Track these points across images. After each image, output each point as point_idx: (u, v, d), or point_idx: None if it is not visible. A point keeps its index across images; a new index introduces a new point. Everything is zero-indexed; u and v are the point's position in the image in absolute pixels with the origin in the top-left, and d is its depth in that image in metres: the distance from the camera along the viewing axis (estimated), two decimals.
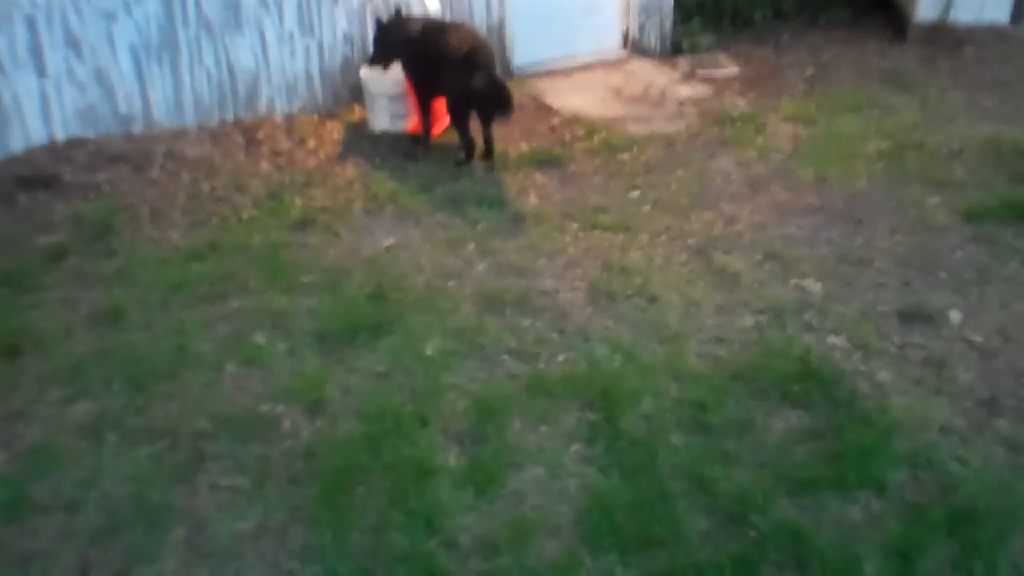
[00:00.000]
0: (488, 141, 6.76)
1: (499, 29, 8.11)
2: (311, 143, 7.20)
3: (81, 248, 5.71)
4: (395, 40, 6.89)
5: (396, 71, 7.11)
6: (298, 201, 6.23)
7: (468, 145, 6.69)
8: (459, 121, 6.64)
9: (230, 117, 7.42)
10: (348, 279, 5.26)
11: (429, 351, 4.50)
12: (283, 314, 4.88)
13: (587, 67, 8.52)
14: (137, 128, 7.12)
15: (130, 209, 6.21)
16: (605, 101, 7.84)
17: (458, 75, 6.32)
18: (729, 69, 8.58)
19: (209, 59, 7.19)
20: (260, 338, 4.67)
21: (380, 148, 7.13)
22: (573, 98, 7.80)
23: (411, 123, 7.41)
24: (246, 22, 7.21)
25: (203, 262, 5.50)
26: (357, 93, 7.68)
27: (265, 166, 6.83)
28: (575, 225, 5.92)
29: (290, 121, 7.50)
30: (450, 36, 6.52)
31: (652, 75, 8.35)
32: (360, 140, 7.28)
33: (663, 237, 5.75)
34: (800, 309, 4.94)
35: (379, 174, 6.63)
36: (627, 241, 5.70)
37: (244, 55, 7.29)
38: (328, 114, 7.68)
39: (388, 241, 5.75)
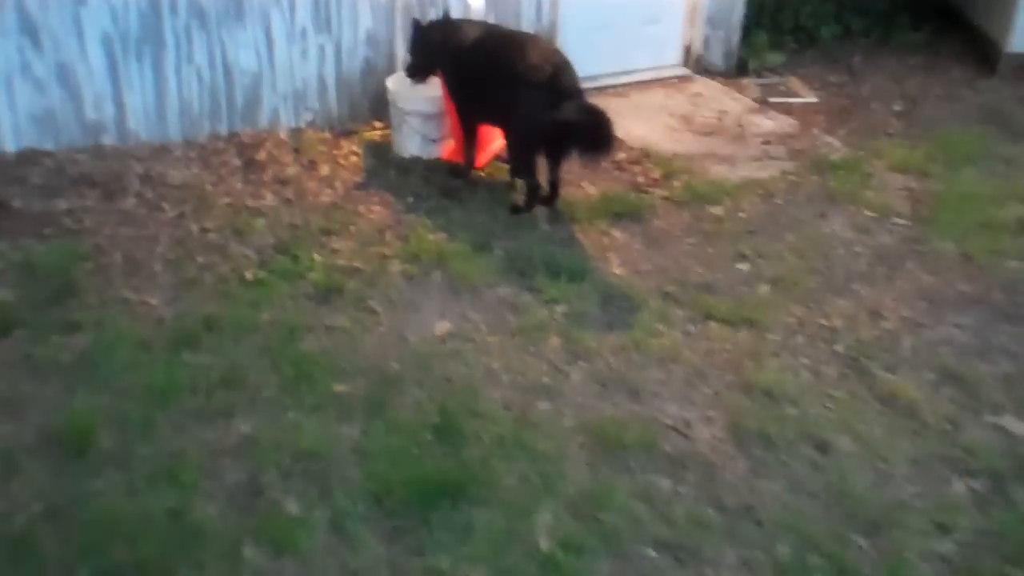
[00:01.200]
0: (555, 185, 5.22)
1: (548, 38, 6.53)
2: (324, 168, 5.60)
3: (32, 316, 4.09)
4: (440, 49, 5.32)
5: (433, 85, 5.52)
6: (317, 257, 4.64)
7: (533, 190, 5.14)
8: (526, 160, 5.09)
9: (224, 130, 5.78)
10: (399, 391, 3.72)
11: (543, 541, 2.99)
12: (316, 455, 3.34)
13: (644, 85, 7.00)
14: (108, 140, 5.47)
15: (98, 254, 4.60)
16: (675, 132, 6.32)
17: (536, 103, 4.76)
18: (806, 98, 7.10)
19: (201, 57, 5.54)
20: (290, 503, 3.12)
21: (411, 180, 5.55)
22: (636, 125, 6.27)
23: (447, 149, 5.83)
24: (249, 13, 5.58)
25: (196, 351, 3.92)
26: (380, 106, 6.08)
27: (269, 199, 5.22)
28: (681, 312, 4.43)
29: (297, 138, 5.88)
30: (524, 50, 4.94)
31: (721, 100, 6.84)
32: (384, 167, 5.69)
33: (799, 337, 4.28)
34: (1021, 469, 3.50)
35: (416, 219, 5.07)
36: (755, 342, 4.22)
37: (245, 54, 5.65)
38: (343, 130, 6.07)
39: (442, 326, 4.22)
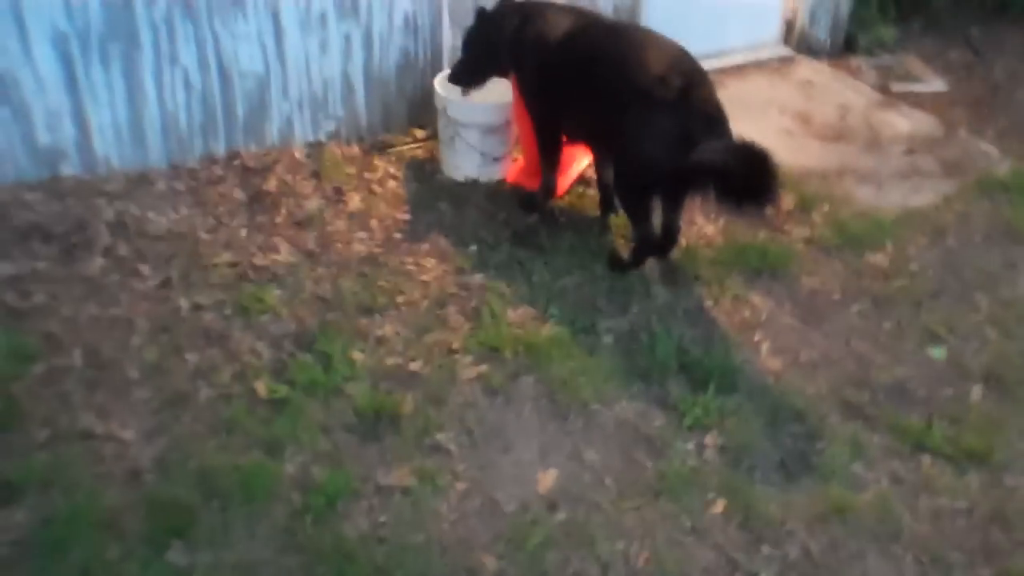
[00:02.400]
0: (673, 230, 3.78)
1: (631, 12, 4.99)
2: (355, 200, 4.11)
3: None
4: (514, 44, 3.79)
5: (496, 89, 4.02)
6: (356, 354, 3.19)
7: (645, 241, 3.68)
8: (641, 203, 3.63)
9: (221, 150, 4.27)
10: None
11: None
12: None
13: (740, 71, 5.47)
14: (68, 171, 3.99)
15: (51, 351, 3.19)
16: (793, 135, 4.82)
17: (662, 132, 3.33)
18: (932, 84, 5.57)
19: (188, 56, 4.01)
20: None
21: (469, 215, 4.09)
22: (743, 127, 4.68)
23: (512, 170, 4.34)
24: None
25: (188, 542, 2.49)
26: (422, 111, 4.59)
27: (284, 253, 3.75)
28: (877, 439, 3.08)
29: (317, 156, 4.38)
30: (641, 51, 3.47)
31: (837, 90, 5.33)
32: (433, 196, 4.21)
33: None
34: None
35: (485, 282, 3.65)
36: (997, 495, 2.82)
37: (246, 50, 4.13)
38: (376, 144, 4.56)
39: (547, 477, 2.83)
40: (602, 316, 3.48)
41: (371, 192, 4.21)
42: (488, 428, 2.97)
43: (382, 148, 4.53)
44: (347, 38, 4.31)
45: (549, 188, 4.10)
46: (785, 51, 5.70)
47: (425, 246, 3.86)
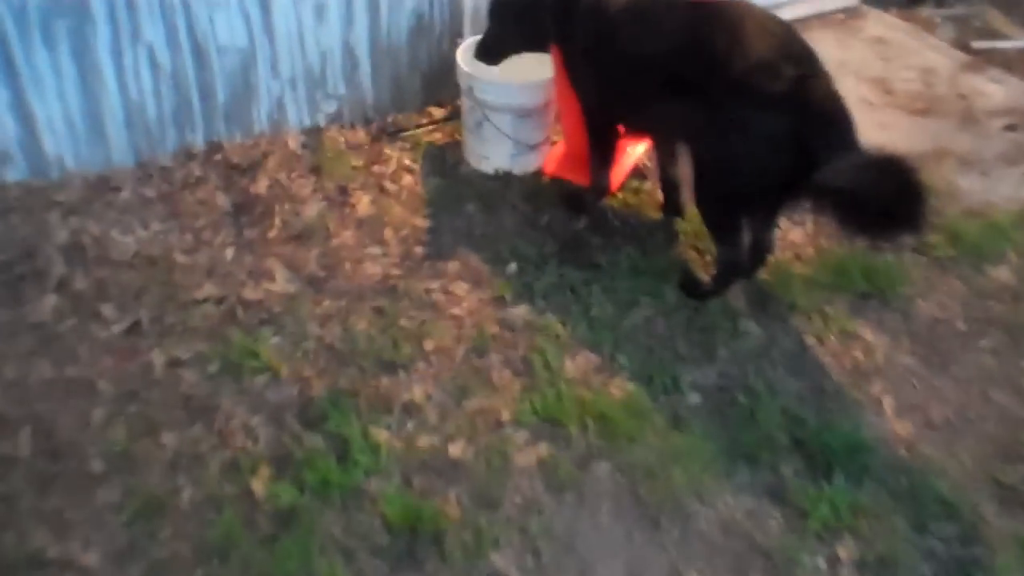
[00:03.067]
0: (765, 247, 3.03)
1: None
2: (363, 203, 3.35)
3: None
4: (559, 12, 3.00)
5: (531, 65, 3.23)
6: (380, 434, 2.46)
7: (733, 263, 2.95)
8: (731, 221, 2.87)
9: (199, 142, 3.48)
10: None
11: None
12: None
13: (800, 24, 4.58)
14: (13, 176, 3.20)
15: None
16: (875, 108, 4.05)
17: (769, 136, 2.55)
18: (1019, 39, 4.76)
19: (154, 31, 3.19)
20: None
21: (504, 220, 3.35)
22: None
23: (552, 160, 3.56)
24: None
25: None
26: (438, 86, 3.82)
27: (280, 280, 3.00)
28: None
29: (316, 145, 3.59)
30: (735, 28, 2.64)
31: (915, 49, 4.53)
32: (458, 195, 3.44)
33: None
34: None
35: (533, 318, 2.92)
36: None
37: (225, 20, 3.30)
38: (385, 128, 3.74)
39: None
40: (683, 365, 2.74)
41: (383, 191, 3.42)
42: (557, 541, 2.25)
43: (393, 133, 3.72)
44: (348, 1, 3.46)
45: (601, 186, 3.32)
46: (850, 1, 4.85)
47: (454, 265, 3.10)
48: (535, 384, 2.64)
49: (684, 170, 3.09)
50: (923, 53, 4.50)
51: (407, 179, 3.50)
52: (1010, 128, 3.95)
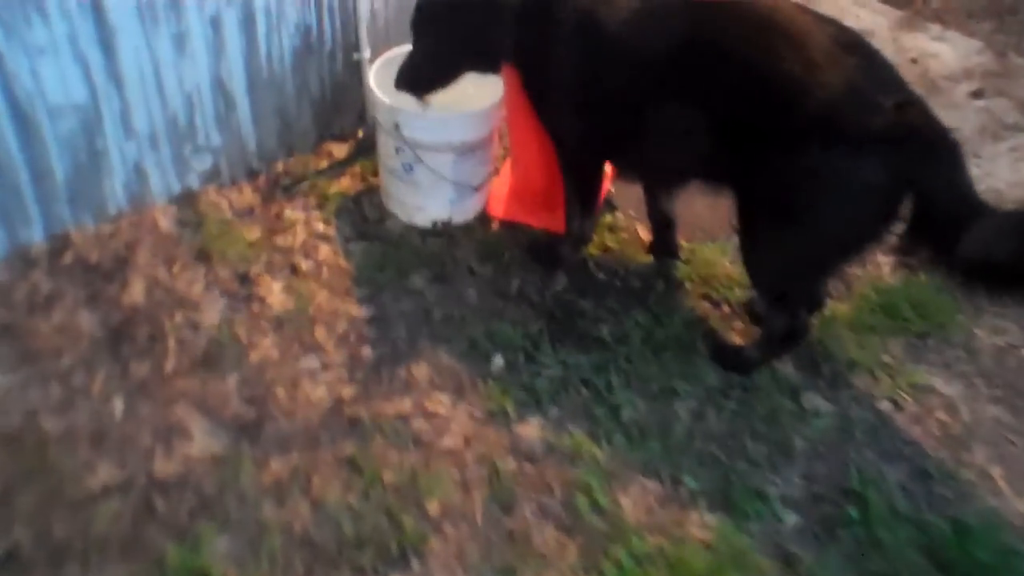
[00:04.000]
0: (820, 301, 2.42)
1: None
2: (274, 292, 2.58)
3: None
4: (522, 26, 2.26)
5: (471, 88, 2.53)
6: None
7: (789, 333, 2.33)
8: (802, 288, 2.27)
9: (38, 238, 2.53)
10: None
11: None
12: None
13: None
14: None
15: None
16: None
17: (872, 191, 1.91)
18: None
19: None
20: None
21: (462, 290, 2.63)
22: None
23: (497, 196, 2.84)
24: None
25: None
26: (333, 115, 3.03)
27: (200, 440, 2.20)
28: None
29: (193, 218, 2.77)
30: (803, 49, 1.96)
31: (842, 4, 4.05)
32: (396, 262, 2.71)
33: None
34: None
35: (546, 433, 2.26)
36: None
37: (54, 71, 2.35)
38: (276, 180, 2.92)
39: None
40: (762, 473, 2.16)
41: (297, 272, 2.62)
42: None
43: (289, 186, 2.89)
44: (215, 23, 2.58)
45: (583, 236, 2.65)
46: None
47: (421, 369, 2.37)
48: (593, 541, 1.98)
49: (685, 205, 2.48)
50: (854, 10, 4.02)
51: (324, 250, 2.70)
52: (976, 95, 3.54)
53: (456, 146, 2.64)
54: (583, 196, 2.52)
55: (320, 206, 2.83)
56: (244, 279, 2.58)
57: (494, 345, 2.44)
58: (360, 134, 3.07)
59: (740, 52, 2.00)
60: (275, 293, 2.56)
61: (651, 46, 2.11)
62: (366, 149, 3.01)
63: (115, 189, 2.63)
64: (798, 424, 2.29)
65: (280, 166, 2.96)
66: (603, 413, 2.28)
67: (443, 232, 2.78)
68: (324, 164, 2.98)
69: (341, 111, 3.02)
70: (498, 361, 2.40)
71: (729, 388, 2.36)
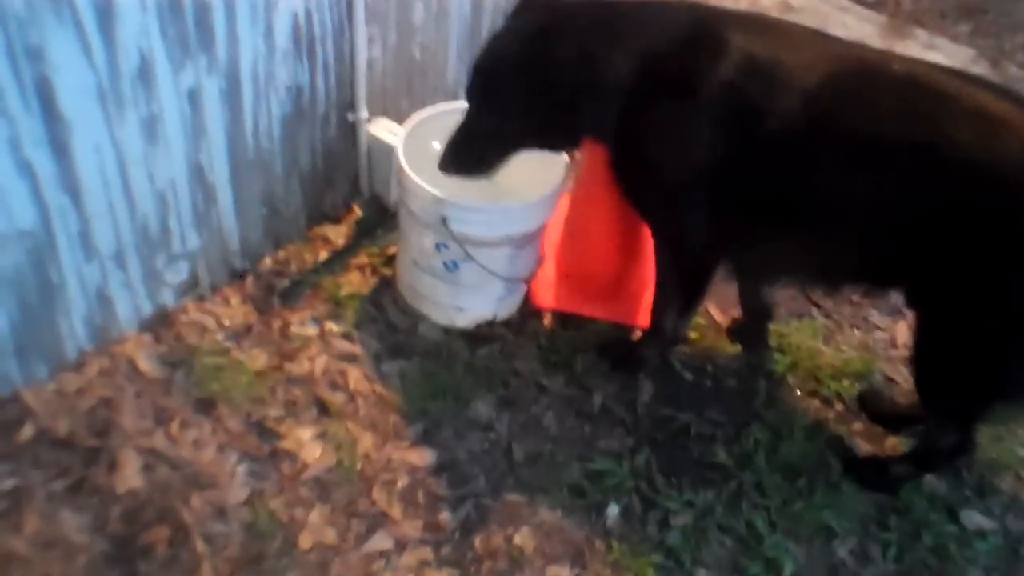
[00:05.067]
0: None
1: None
2: (305, 444, 2.01)
3: None
4: (646, 103, 1.76)
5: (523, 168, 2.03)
6: None
7: (955, 450, 1.97)
8: (989, 407, 1.86)
9: None
10: None
11: None
12: None
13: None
14: None
15: None
16: None
17: None
18: None
19: None
20: None
21: (538, 414, 2.10)
22: None
23: (545, 288, 2.33)
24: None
25: None
26: (323, 189, 2.42)
27: None
28: None
29: (177, 349, 2.08)
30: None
31: (824, 12, 3.77)
32: (448, 385, 2.15)
33: None
34: None
35: None
36: None
37: None
38: (273, 286, 2.28)
39: None
40: None
41: (327, 410, 2.05)
42: None
43: (288, 291, 2.27)
44: (194, 98, 1.93)
45: (676, 335, 2.19)
46: None
47: (523, 536, 1.88)
48: None
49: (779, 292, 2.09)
50: (838, 17, 3.70)
51: (353, 375, 2.13)
52: None
53: (516, 238, 2.12)
54: (689, 295, 2.05)
55: (333, 314, 2.24)
56: (263, 430, 1.98)
57: (600, 489, 1.97)
58: (357, 211, 2.47)
59: (954, 140, 1.58)
60: (307, 445, 1.98)
61: (834, 124, 1.66)
62: (367, 231, 2.43)
63: (74, 327, 1.96)
64: (966, 550, 1.95)
65: (268, 262, 2.33)
66: (760, 569, 1.85)
67: (492, 336, 2.25)
68: (322, 255, 2.38)
69: (333, 184, 2.42)
70: (613, 511, 1.94)
71: (884, 515, 2.00)
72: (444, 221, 2.04)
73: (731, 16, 1.80)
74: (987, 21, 3.85)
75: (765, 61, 1.67)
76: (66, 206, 1.81)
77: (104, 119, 1.78)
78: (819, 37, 1.80)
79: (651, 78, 1.73)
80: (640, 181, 1.88)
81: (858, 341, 2.39)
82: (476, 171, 1.97)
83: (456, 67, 2.62)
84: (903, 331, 2.41)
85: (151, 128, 1.88)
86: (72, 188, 1.79)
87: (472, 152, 1.94)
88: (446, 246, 2.10)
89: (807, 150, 1.67)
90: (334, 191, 2.44)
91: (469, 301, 2.22)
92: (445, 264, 2.14)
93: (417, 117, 2.19)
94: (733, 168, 1.74)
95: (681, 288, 2.04)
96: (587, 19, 1.80)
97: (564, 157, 2.14)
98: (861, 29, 3.63)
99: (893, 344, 2.40)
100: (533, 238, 2.18)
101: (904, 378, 2.30)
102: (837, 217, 1.72)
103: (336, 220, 2.46)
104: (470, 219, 2.04)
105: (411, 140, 2.14)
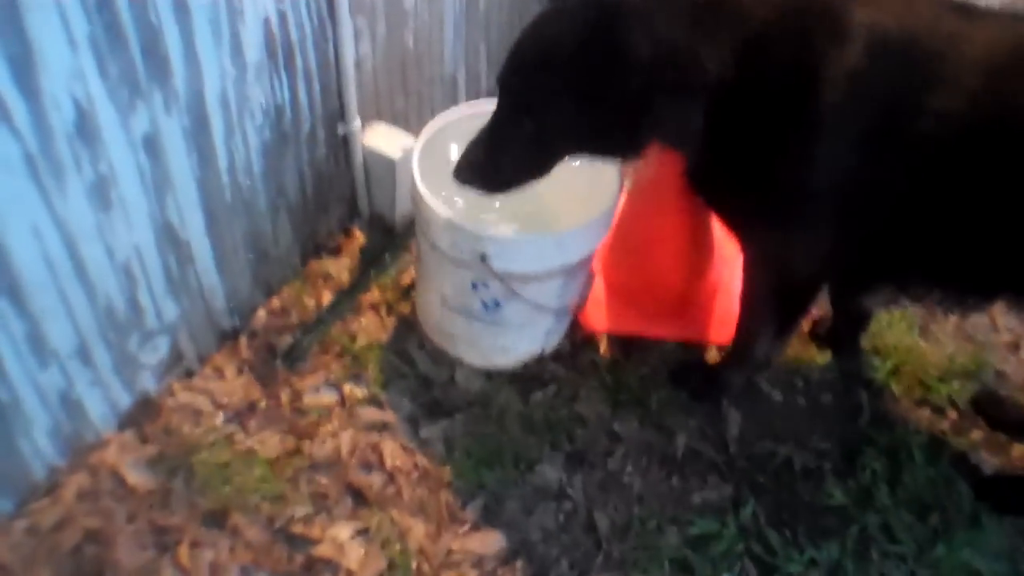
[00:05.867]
0: None
1: None
2: (348, 546, 1.65)
3: None
4: (747, 107, 1.36)
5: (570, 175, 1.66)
6: None
7: None
8: None
9: None
10: None
11: None
12: None
13: None
14: None
15: None
16: None
17: None
18: None
19: None
20: None
21: (617, 475, 1.72)
22: None
23: (597, 309, 1.95)
24: None
25: None
26: (315, 215, 1.97)
27: None
28: None
29: (162, 435, 1.67)
30: None
31: None
32: (506, 445, 1.77)
33: None
34: None
35: None
36: None
37: None
38: (274, 348, 1.88)
39: None
40: None
41: (364, 498, 1.69)
42: None
43: (291, 351, 1.87)
44: (151, 145, 1.49)
45: (768, 362, 1.82)
46: None
47: None
48: None
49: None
50: None
51: (389, 448, 1.76)
52: None
53: (568, 268, 1.73)
54: (789, 317, 1.69)
55: (352, 373, 1.85)
56: (290, 537, 1.62)
57: (708, 558, 1.64)
58: (358, 236, 2.06)
59: None
60: (347, 547, 1.62)
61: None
62: (373, 258, 2.02)
63: (38, 444, 1.56)
64: None
65: (263, 315, 1.92)
66: None
67: (544, 377, 1.88)
68: (326, 296, 1.97)
69: (327, 209, 2.01)
70: None
71: None
72: (484, 258, 1.63)
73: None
74: None
75: (901, 41, 1.28)
76: (4, 310, 1.38)
77: (39, 194, 1.35)
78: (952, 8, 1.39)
79: (754, 71, 1.32)
80: (741, 198, 1.48)
81: (956, 329, 2.05)
82: (504, 185, 1.55)
83: (453, 49, 2.19)
84: (1001, 312, 2.08)
85: (102, 193, 1.45)
86: (9, 287, 1.37)
87: (502, 161, 1.51)
88: (485, 285, 1.70)
89: (975, 149, 1.29)
90: (329, 217, 2.02)
91: (514, 340, 1.85)
92: (484, 303, 1.75)
93: (432, 127, 1.77)
94: (869, 177, 1.35)
95: (780, 310, 1.66)
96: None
97: (614, 164, 1.74)
98: None
99: (995, 328, 2.07)
100: (586, 262, 1.79)
101: (1013, 369, 1.98)
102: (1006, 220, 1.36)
103: (335, 251, 2.04)
104: (516, 254, 1.64)
105: (426, 157, 1.72)
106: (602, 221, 1.69)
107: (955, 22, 1.31)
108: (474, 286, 1.72)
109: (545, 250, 1.65)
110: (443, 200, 1.66)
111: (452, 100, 2.34)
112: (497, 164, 1.52)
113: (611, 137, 1.48)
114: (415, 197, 1.69)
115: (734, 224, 1.56)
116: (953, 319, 2.07)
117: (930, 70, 1.27)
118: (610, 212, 1.69)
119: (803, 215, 1.43)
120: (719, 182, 1.48)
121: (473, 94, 2.38)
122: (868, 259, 1.49)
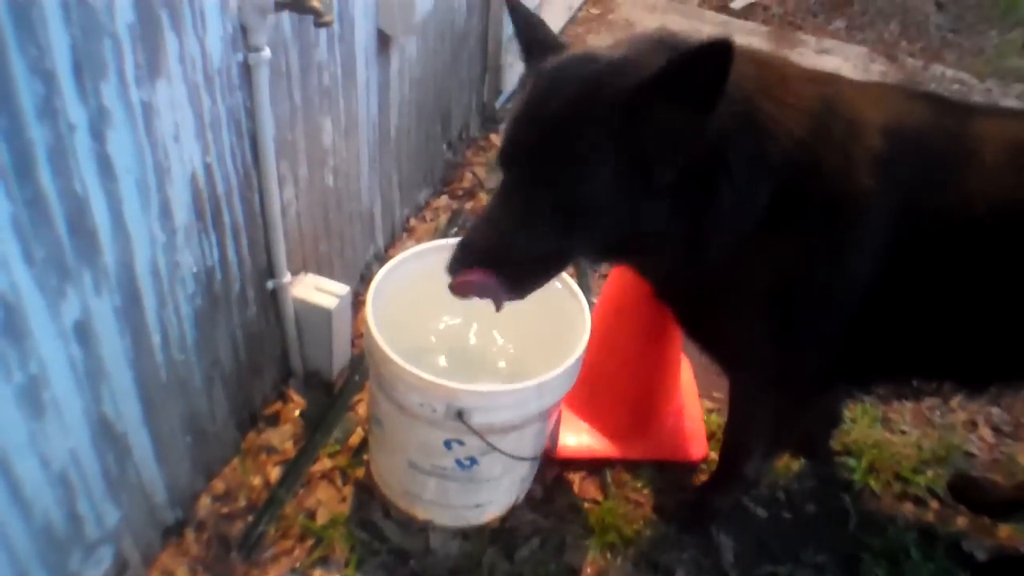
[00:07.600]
0: None
1: None
2: None
3: None
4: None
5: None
6: None
7: None
8: None
9: None
10: None
11: None
12: None
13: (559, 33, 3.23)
14: None
15: None
16: None
17: None
18: None
19: None
20: None
21: None
22: None
23: (581, 440, 1.88)
24: None
25: None
26: (258, 383, 1.78)
27: None
28: None
29: None
30: None
31: (690, 27, 3.50)
32: None
33: None
34: None
35: None
36: None
37: None
38: (221, 530, 1.68)
39: None
40: None
41: None
42: None
43: (245, 539, 1.68)
44: (82, 331, 1.34)
45: (757, 480, 1.77)
46: None
47: None
48: None
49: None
50: (704, 30, 3.42)
51: None
52: None
53: (548, 411, 1.63)
54: (783, 433, 1.64)
55: (319, 558, 1.67)
56: None
57: None
58: (295, 398, 1.90)
59: None
60: None
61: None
62: (316, 422, 1.87)
63: None
64: None
65: (207, 502, 1.71)
66: None
67: (525, 529, 1.76)
68: (272, 472, 1.79)
69: (260, 373, 1.85)
70: None
71: None
72: (460, 415, 1.51)
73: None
74: (856, 13, 3.69)
75: (910, 134, 1.28)
76: None
77: None
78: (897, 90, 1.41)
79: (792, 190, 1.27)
80: (737, 313, 1.42)
81: (913, 416, 2.07)
82: (518, 279, 1.27)
83: (369, 182, 2.11)
84: (948, 389, 2.11)
85: (32, 397, 1.26)
86: None
87: (512, 257, 1.24)
88: (460, 442, 1.58)
89: (995, 237, 1.29)
90: (263, 382, 1.86)
91: (489, 495, 1.72)
92: (459, 462, 1.62)
93: (381, 274, 1.66)
94: (893, 276, 1.33)
95: (777, 426, 1.61)
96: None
97: (572, 291, 1.67)
98: (748, 42, 3.36)
99: (949, 408, 2.10)
100: (559, 402, 1.69)
101: (978, 449, 2.00)
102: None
103: (274, 421, 1.87)
104: (496, 406, 1.53)
105: (378, 304, 1.61)
106: (579, 361, 1.60)
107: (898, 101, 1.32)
108: (448, 445, 1.59)
109: (526, 398, 1.55)
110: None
111: (370, 238, 2.25)
112: (510, 246, 1.23)
113: (651, 209, 1.23)
114: (374, 355, 1.56)
115: (726, 344, 1.50)
116: (909, 405, 2.09)
117: (940, 158, 1.27)
118: (582, 347, 1.61)
119: (814, 322, 1.38)
120: (711, 301, 1.42)
121: (389, 230, 2.29)
122: (877, 357, 1.46)
